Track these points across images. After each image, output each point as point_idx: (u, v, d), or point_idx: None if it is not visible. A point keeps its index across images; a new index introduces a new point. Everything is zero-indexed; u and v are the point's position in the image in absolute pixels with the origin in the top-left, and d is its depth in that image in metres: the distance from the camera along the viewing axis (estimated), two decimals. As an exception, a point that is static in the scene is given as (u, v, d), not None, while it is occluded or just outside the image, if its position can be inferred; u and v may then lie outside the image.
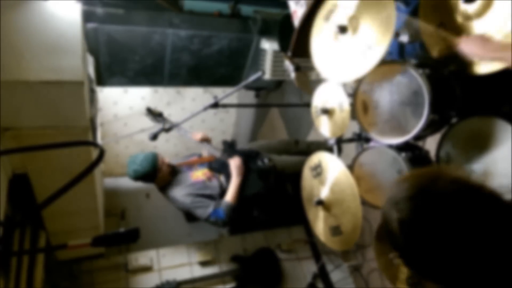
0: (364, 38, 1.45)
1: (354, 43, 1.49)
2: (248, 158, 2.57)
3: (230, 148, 2.58)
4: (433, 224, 0.74)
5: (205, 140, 2.66)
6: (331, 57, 1.60)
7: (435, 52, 1.45)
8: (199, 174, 2.60)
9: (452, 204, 0.74)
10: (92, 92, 2.68)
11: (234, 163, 2.47)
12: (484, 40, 1.23)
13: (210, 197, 2.49)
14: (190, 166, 2.66)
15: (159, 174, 2.46)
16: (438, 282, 0.78)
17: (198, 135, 2.66)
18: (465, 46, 1.26)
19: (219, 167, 2.59)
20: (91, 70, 2.98)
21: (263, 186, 2.56)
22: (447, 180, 0.77)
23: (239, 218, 2.54)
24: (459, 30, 1.36)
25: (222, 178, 2.60)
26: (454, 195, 0.75)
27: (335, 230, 1.71)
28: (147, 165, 2.42)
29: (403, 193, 0.79)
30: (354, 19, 1.50)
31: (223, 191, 2.52)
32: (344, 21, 1.52)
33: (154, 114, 2.64)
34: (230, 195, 2.44)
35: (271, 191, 2.62)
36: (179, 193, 2.49)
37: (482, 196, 0.75)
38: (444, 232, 0.73)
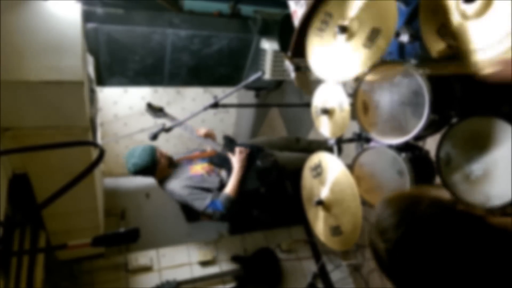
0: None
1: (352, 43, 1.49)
2: (250, 153, 2.56)
3: (231, 143, 2.58)
4: (417, 251, 0.80)
5: (209, 136, 2.64)
6: (329, 57, 1.61)
7: (434, 52, 1.45)
8: (198, 168, 2.60)
9: (432, 229, 0.80)
10: (92, 92, 2.67)
11: (238, 157, 2.46)
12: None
13: (208, 190, 2.48)
14: (190, 160, 2.66)
15: (158, 167, 2.46)
16: None
17: (202, 131, 2.64)
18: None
19: (220, 162, 2.59)
20: (91, 70, 2.98)
21: (264, 181, 2.56)
22: (425, 205, 0.83)
23: (239, 216, 2.54)
24: (460, 31, 1.35)
25: (223, 173, 2.60)
26: (432, 220, 0.81)
27: (335, 230, 1.71)
28: (146, 157, 2.42)
29: (387, 221, 0.85)
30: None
31: (222, 186, 2.52)
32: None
33: (154, 110, 2.64)
34: (230, 188, 2.43)
35: (272, 187, 2.62)
36: (176, 185, 2.49)
37: (457, 216, 0.81)
38: (428, 257, 0.79)
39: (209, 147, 2.70)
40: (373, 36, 1.47)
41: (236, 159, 2.47)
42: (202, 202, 2.41)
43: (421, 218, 0.81)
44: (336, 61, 1.63)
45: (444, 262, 0.77)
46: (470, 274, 0.76)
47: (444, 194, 0.87)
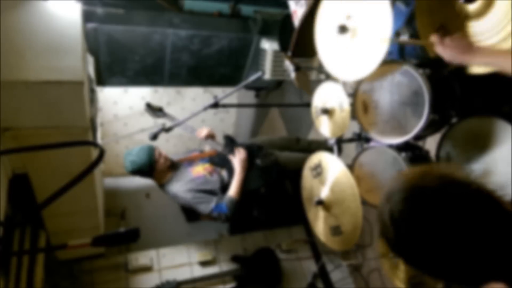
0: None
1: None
2: (250, 152, 2.56)
3: (232, 142, 2.58)
4: (421, 217, 0.79)
5: (210, 137, 2.63)
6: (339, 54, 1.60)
7: (432, 52, 1.45)
8: (200, 169, 2.59)
9: (439, 197, 0.78)
10: (92, 92, 2.68)
11: (239, 157, 2.46)
12: (464, 44, 1.24)
13: (211, 192, 2.48)
14: (191, 161, 2.65)
15: (156, 166, 2.45)
16: (430, 273, 0.82)
17: (203, 132, 2.61)
18: (443, 51, 1.26)
19: (221, 162, 2.58)
20: (91, 70, 2.98)
21: (264, 181, 2.56)
22: (435, 175, 0.82)
23: (239, 216, 2.53)
24: (460, 31, 1.35)
25: (224, 172, 2.60)
26: (441, 189, 0.79)
27: (335, 230, 1.71)
28: (144, 155, 2.41)
29: (395, 188, 0.84)
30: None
31: (224, 186, 2.51)
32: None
33: (153, 109, 2.63)
34: (233, 190, 2.43)
35: (272, 187, 2.61)
36: (180, 189, 2.48)
37: (469, 190, 0.79)
38: (432, 224, 0.77)
39: (209, 146, 2.70)
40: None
41: (236, 160, 2.47)
42: (207, 206, 2.41)
43: (428, 187, 0.80)
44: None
45: (447, 232, 0.76)
46: (475, 246, 0.75)
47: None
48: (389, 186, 0.86)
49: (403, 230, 0.80)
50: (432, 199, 0.79)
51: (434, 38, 1.29)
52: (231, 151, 2.51)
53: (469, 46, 1.24)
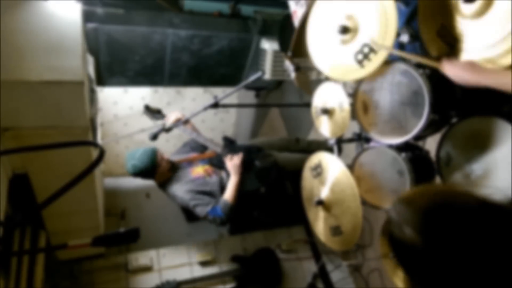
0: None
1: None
2: (249, 153, 2.56)
3: (231, 144, 2.58)
4: (454, 241, 0.71)
5: (178, 121, 2.52)
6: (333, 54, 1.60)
7: (434, 52, 1.45)
8: (200, 170, 2.60)
9: (474, 221, 0.72)
10: (92, 92, 2.68)
11: (231, 163, 2.46)
12: (473, 65, 1.26)
13: (210, 193, 2.48)
14: (191, 162, 2.65)
15: (158, 170, 2.45)
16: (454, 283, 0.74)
17: (171, 118, 2.52)
18: (451, 70, 1.29)
19: (220, 163, 2.58)
20: (91, 70, 2.99)
21: (262, 182, 2.56)
22: (461, 197, 0.77)
23: (239, 216, 2.53)
24: (461, 31, 1.36)
25: (223, 174, 2.60)
26: (474, 211, 0.73)
27: (335, 230, 1.71)
28: (146, 160, 2.41)
29: (416, 211, 0.76)
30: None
31: (223, 187, 2.52)
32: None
33: (152, 111, 2.63)
34: (228, 194, 2.43)
35: (271, 187, 2.62)
36: (179, 189, 2.48)
37: (504, 213, 0.73)
38: (464, 251, 0.70)
39: (185, 134, 2.65)
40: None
41: (230, 166, 2.46)
42: (203, 209, 2.41)
43: (458, 208, 0.73)
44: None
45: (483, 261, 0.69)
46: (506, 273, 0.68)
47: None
48: (400, 211, 0.79)
49: (434, 236, 0.72)
50: (456, 204, 0.74)
51: (443, 61, 1.31)
52: (229, 152, 2.51)
53: (477, 67, 1.25)
